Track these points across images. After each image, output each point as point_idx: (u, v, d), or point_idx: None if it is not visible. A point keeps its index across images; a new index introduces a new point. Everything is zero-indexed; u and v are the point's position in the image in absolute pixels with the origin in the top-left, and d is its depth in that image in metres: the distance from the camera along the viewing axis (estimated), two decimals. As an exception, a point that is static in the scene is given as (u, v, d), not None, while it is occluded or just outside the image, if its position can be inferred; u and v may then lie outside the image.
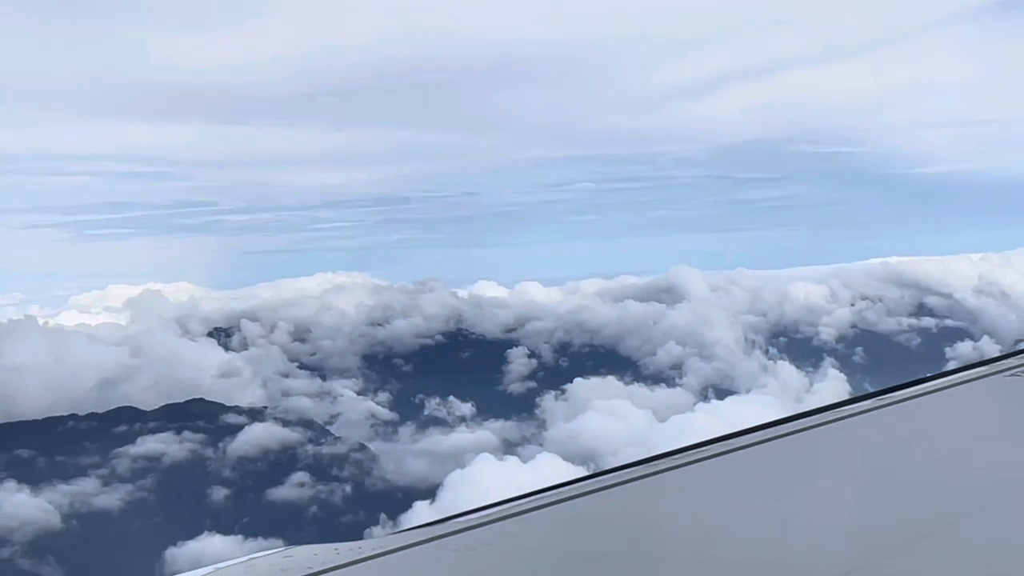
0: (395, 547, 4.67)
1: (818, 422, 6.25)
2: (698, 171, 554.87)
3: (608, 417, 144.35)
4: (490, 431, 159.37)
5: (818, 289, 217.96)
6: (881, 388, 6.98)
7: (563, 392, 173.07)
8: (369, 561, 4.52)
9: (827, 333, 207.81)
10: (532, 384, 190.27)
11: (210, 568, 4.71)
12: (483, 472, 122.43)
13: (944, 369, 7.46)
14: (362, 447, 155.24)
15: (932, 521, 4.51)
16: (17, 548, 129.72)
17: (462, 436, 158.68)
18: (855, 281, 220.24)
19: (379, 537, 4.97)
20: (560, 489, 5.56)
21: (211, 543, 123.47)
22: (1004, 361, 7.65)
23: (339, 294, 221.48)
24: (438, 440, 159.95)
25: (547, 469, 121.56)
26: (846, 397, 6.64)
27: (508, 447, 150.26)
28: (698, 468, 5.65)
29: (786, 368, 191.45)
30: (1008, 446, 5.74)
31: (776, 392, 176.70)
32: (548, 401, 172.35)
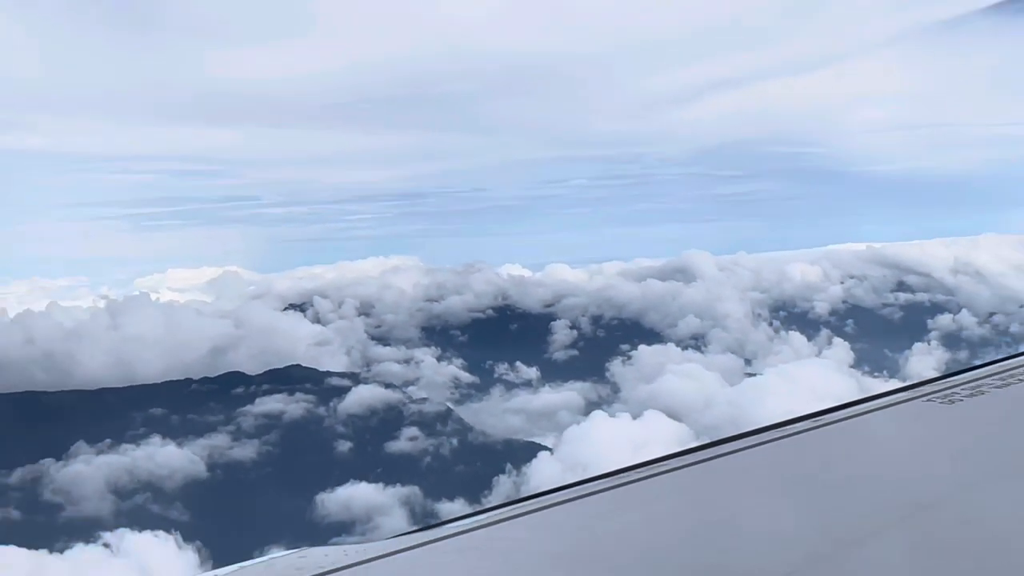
0: (395, 549, 4.72)
1: (757, 442, 6.20)
2: (679, 169, 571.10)
3: (684, 379, 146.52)
4: (574, 391, 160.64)
5: (812, 269, 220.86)
6: (813, 411, 6.89)
7: (630, 358, 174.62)
8: (373, 562, 4.60)
9: (821, 307, 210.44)
10: (574, 352, 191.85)
11: (234, 567, 4.64)
12: (599, 427, 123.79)
13: (888, 390, 7.54)
14: (450, 408, 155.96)
15: (857, 531, 4.61)
16: (149, 495, 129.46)
17: (550, 396, 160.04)
18: (843, 262, 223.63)
19: (380, 540, 4.93)
20: (544, 496, 5.50)
21: (358, 489, 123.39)
22: (923, 387, 7.51)
23: (396, 275, 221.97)
24: (528, 399, 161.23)
25: (656, 424, 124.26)
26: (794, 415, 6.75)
27: (591, 406, 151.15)
28: (663, 480, 5.61)
29: (796, 338, 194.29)
30: (920, 467, 5.77)
31: (789, 359, 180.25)
32: (616, 366, 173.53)
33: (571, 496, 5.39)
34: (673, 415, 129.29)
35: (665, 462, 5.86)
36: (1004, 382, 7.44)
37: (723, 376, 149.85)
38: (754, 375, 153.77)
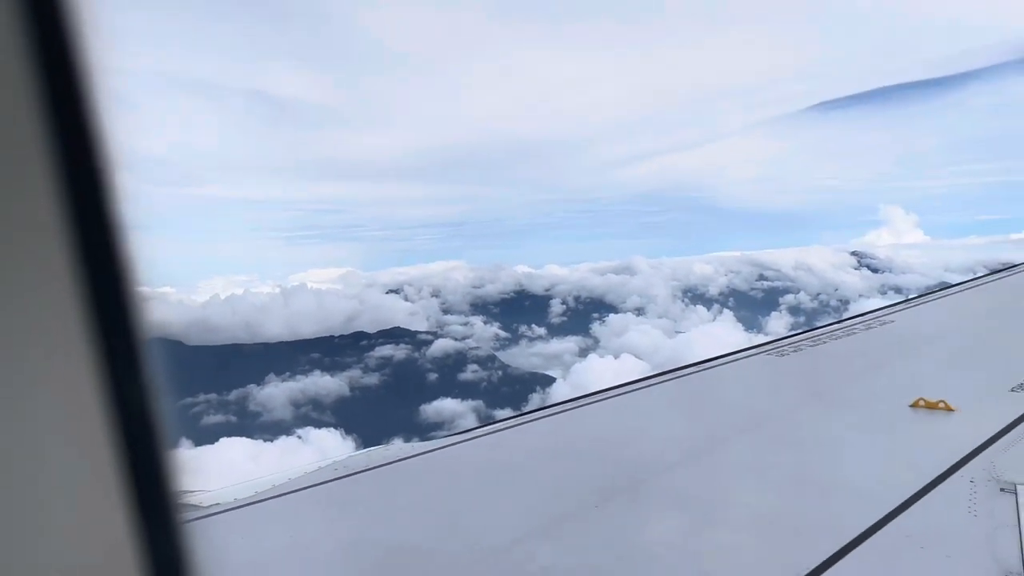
0: (437, 447, 4.48)
1: (662, 380, 5.98)
2: (621, 207, 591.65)
3: (642, 335, 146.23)
4: (571, 342, 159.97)
5: (707, 267, 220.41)
6: (692, 361, 6.53)
7: (604, 322, 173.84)
8: (431, 453, 4.38)
9: (713, 290, 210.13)
10: (564, 319, 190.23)
11: (345, 456, 4.45)
12: (594, 364, 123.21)
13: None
14: (494, 354, 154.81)
15: (715, 439, 4.43)
16: (309, 405, 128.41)
17: (556, 345, 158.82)
18: (726, 263, 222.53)
19: (425, 442, 4.67)
20: (536, 412, 5.28)
21: (445, 403, 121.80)
22: (764, 346, 7.17)
23: (452, 271, 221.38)
24: (544, 347, 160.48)
25: (628, 362, 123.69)
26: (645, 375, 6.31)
27: (582, 351, 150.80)
28: (602, 404, 5.40)
29: (700, 310, 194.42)
30: (758, 398, 5.50)
31: (696, 322, 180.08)
32: (596, 326, 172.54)
33: (556, 412, 5.22)
34: (638, 357, 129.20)
35: (607, 392, 5.68)
36: (815, 342, 7.28)
37: (663, 333, 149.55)
38: (681, 332, 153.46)
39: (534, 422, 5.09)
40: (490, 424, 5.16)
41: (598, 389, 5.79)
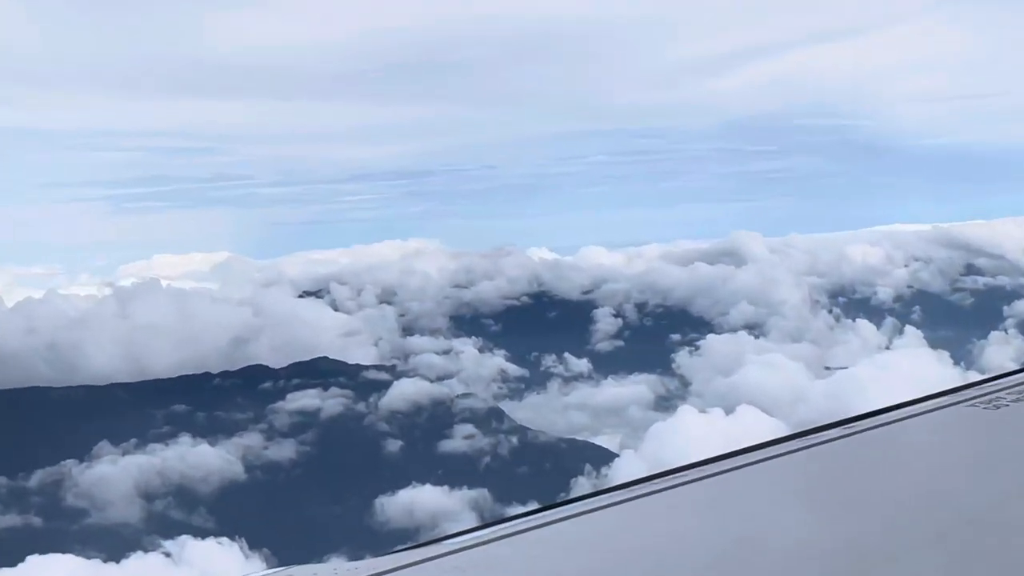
0: (391, 568, 4.71)
1: (786, 450, 6.24)
2: (708, 144, 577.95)
3: (766, 372, 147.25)
4: (640, 385, 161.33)
5: (872, 249, 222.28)
6: (845, 417, 6.85)
7: (696, 348, 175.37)
8: None
9: (884, 293, 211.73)
10: (620, 342, 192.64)
11: None
12: (689, 425, 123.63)
13: (926, 394, 7.38)
14: (499, 406, 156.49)
15: (893, 547, 4.64)
16: (170, 499, 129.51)
17: (614, 390, 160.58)
18: (906, 243, 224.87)
19: (375, 558, 4.90)
20: (547, 512, 5.53)
21: (421, 493, 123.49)
22: (966, 391, 7.40)
23: (418, 259, 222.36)
24: (589, 393, 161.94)
25: (750, 419, 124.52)
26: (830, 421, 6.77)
27: (662, 402, 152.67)
28: (684, 490, 5.59)
29: (864, 327, 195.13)
30: (962, 477, 5.79)
31: (858, 349, 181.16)
32: (682, 356, 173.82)
33: (582, 509, 5.41)
34: (765, 411, 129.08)
35: (685, 472, 5.90)
36: None
37: (806, 368, 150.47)
38: (835, 368, 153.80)
39: (575, 520, 5.30)
40: (499, 525, 5.38)
41: (687, 464, 6.04)
